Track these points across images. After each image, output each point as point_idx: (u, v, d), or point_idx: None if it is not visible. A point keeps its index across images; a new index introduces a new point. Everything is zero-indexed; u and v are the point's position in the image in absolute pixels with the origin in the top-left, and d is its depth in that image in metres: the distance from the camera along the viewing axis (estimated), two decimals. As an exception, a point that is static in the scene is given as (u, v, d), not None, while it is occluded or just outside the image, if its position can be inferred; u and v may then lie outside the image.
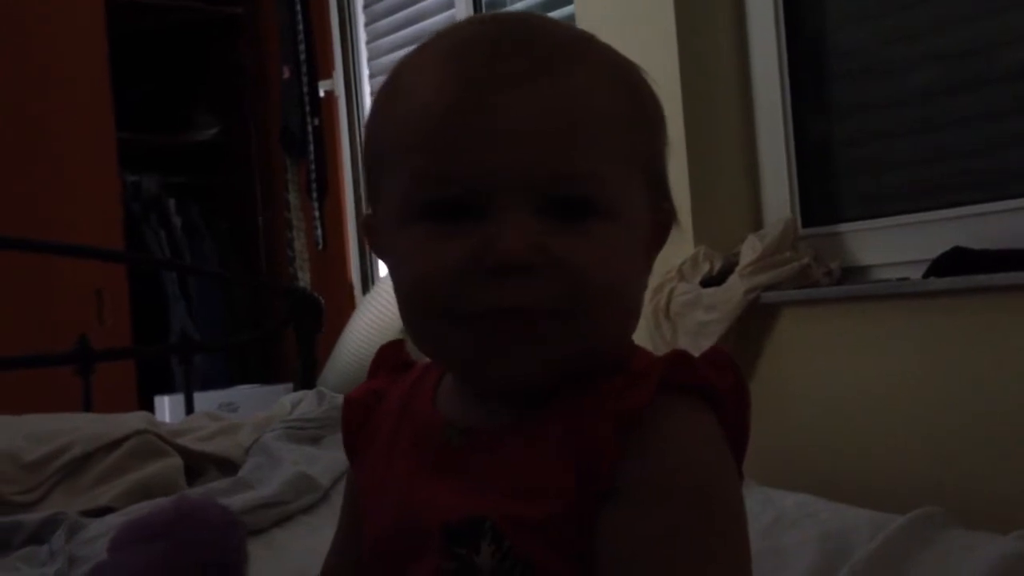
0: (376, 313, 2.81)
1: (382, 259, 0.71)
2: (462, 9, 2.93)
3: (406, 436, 0.71)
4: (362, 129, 3.41)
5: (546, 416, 0.64)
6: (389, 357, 0.80)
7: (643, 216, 0.67)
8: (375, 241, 0.72)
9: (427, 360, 0.75)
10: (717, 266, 1.98)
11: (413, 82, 0.67)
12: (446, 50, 0.66)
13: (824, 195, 2.08)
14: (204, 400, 2.96)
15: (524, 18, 0.69)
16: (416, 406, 0.72)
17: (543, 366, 0.63)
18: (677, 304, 1.94)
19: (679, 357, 0.64)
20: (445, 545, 0.64)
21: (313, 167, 3.57)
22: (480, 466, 0.65)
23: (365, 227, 0.73)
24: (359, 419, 0.76)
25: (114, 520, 1.48)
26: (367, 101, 3.43)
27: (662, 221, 0.70)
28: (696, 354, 0.66)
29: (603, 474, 0.60)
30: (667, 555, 0.59)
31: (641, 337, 0.78)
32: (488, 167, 0.62)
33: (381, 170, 0.68)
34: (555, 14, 2.57)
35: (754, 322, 1.94)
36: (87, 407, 2.23)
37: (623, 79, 0.68)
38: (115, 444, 1.80)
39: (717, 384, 0.64)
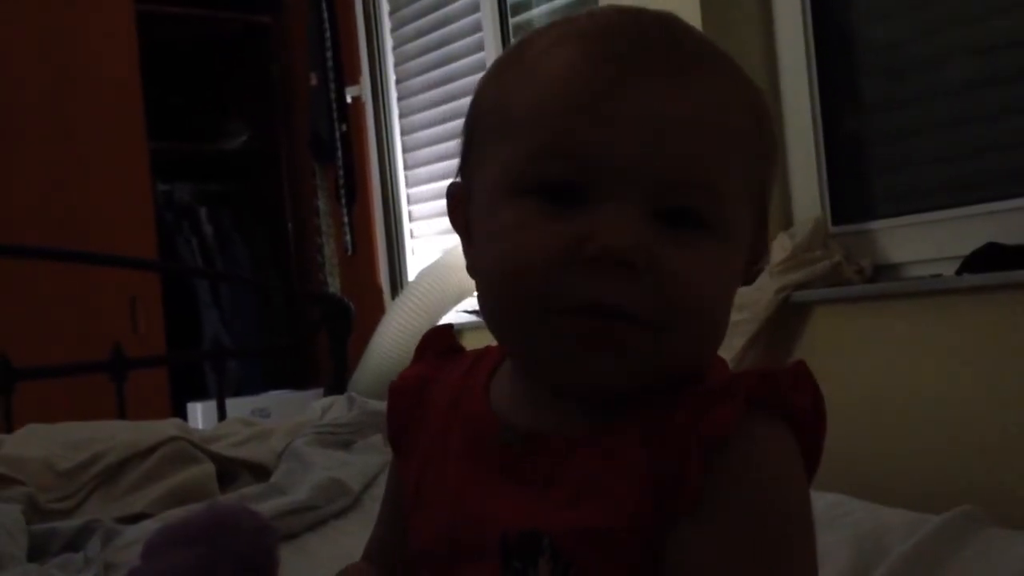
0: (406, 317, 2.81)
1: (461, 233, 0.68)
2: (487, 14, 2.93)
3: (457, 436, 0.69)
4: (389, 134, 3.44)
5: (621, 427, 0.62)
6: (436, 341, 0.77)
7: (747, 242, 0.65)
8: (458, 213, 0.69)
9: (478, 348, 0.73)
10: (747, 265, 1.97)
11: (546, 54, 0.63)
12: (587, 31, 0.63)
13: (854, 192, 2.07)
14: (236, 406, 2.97)
15: (664, 16, 0.65)
16: (468, 404, 0.70)
17: (627, 378, 0.61)
18: (707, 304, 1.92)
19: (764, 375, 0.62)
20: (502, 557, 0.63)
21: (342, 173, 3.59)
22: (543, 474, 0.63)
23: (450, 195, 0.70)
24: (407, 406, 0.74)
25: (149, 526, 1.49)
26: (394, 106, 3.44)
27: (756, 254, 0.68)
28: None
29: (687, 493, 0.59)
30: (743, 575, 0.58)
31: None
32: (612, 152, 0.59)
33: (489, 137, 0.65)
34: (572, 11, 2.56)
35: (785, 321, 1.92)
36: (121, 414, 2.25)
37: (754, 101, 0.66)
38: (149, 451, 1.81)
39: (798, 403, 0.62)
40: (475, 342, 0.75)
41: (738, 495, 0.59)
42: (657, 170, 0.59)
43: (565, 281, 0.59)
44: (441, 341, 0.77)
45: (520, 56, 0.66)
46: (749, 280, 0.69)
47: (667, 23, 0.64)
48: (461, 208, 0.68)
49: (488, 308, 0.65)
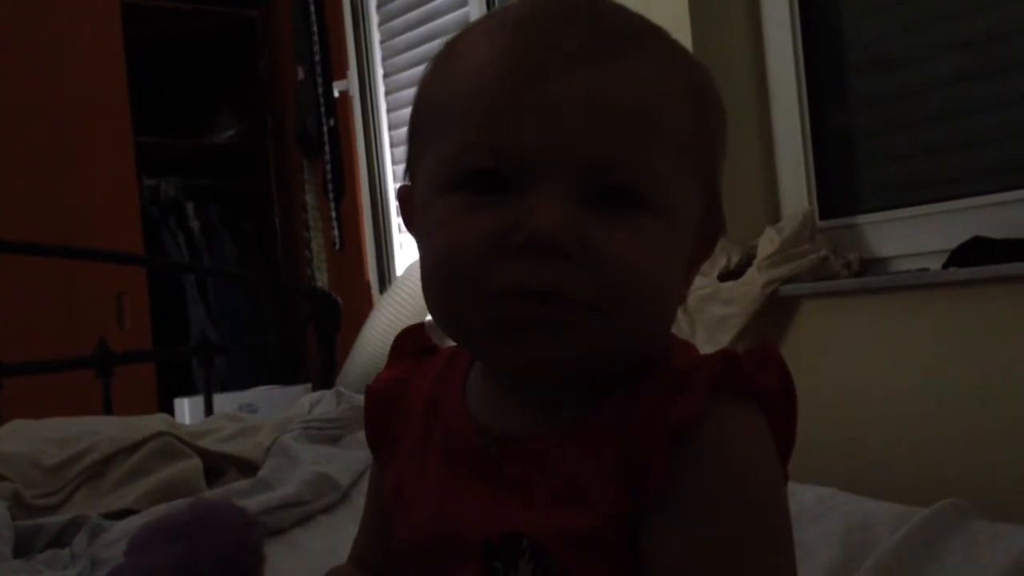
0: (394, 312, 2.81)
1: (412, 234, 0.68)
2: (475, 8, 2.93)
3: (436, 440, 0.69)
4: (376, 129, 3.43)
5: (590, 423, 0.62)
6: (411, 342, 0.77)
7: (692, 221, 0.64)
8: (408, 214, 0.68)
9: (452, 346, 0.72)
10: (735, 259, 1.97)
11: (472, 49, 0.64)
12: (511, 20, 0.63)
13: (842, 186, 2.07)
14: (224, 401, 2.96)
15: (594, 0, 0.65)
16: (445, 405, 0.69)
17: (574, 360, 0.61)
18: (695, 298, 1.93)
19: (728, 358, 0.61)
20: (484, 560, 0.62)
21: (329, 167, 3.58)
22: (520, 476, 0.63)
23: (399, 199, 0.70)
24: (383, 410, 0.74)
25: (136, 522, 1.48)
26: (382, 101, 3.43)
27: (710, 232, 0.67)
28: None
29: (655, 486, 0.58)
30: (721, 566, 0.58)
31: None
32: (534, 140, 0.59)
33: (425, 137, 0.65)
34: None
35: (773, 315, 1.92)
36: (108, 410, 2.24)
37: (691, 79, 0.65)
38: (136, 446, 1.80)
39: (767, 386, 0.61)
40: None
41: (706, 484, 0.58)
42: (583, 153, 0.59)
43: (496, 268, 0.59)
44: (415, 341, 0.77)
45: (451, 50, 0.66)
46: (704, 256, 0.68)
47: (596, 5, 0.64)
48: (408, 211, 0.69)
49: (429, 302, 0.65)
